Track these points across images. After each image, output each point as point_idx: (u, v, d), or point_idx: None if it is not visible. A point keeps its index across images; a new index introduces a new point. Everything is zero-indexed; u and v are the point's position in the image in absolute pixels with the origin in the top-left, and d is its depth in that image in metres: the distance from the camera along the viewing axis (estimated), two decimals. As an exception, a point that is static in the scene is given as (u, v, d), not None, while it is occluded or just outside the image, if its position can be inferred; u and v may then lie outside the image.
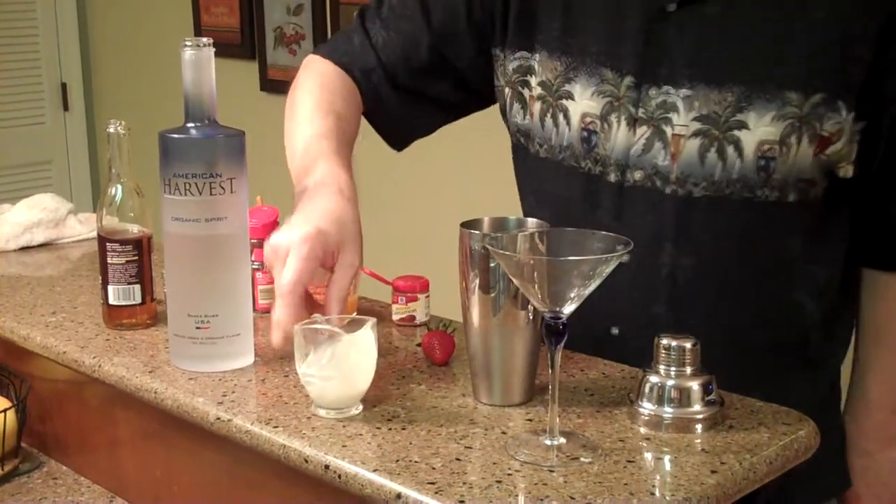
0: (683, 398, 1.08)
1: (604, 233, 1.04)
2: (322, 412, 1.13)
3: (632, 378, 1.21)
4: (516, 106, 1.38)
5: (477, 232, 1.14)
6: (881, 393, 1.37)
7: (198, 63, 1.23)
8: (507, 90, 1.40)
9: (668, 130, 1.24)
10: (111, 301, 1.43)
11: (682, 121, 1.23)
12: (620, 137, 1.27)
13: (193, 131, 1.24)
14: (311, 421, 1.12)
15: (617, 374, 1.24)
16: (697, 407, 1.09)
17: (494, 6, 1.39)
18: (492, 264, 1.11)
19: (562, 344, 1.03)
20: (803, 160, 1.22)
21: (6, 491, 1.45)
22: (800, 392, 1.22)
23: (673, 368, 1.09)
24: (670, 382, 1.09)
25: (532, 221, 1.16)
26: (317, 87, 1.43)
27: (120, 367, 1.31)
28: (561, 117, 1.32)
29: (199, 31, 3.88)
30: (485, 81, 1.44)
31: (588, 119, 1.29)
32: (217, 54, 1.25)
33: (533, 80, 1.35)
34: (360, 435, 1.08)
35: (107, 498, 1.43)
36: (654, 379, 1.10)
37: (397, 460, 1.02)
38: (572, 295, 1.00)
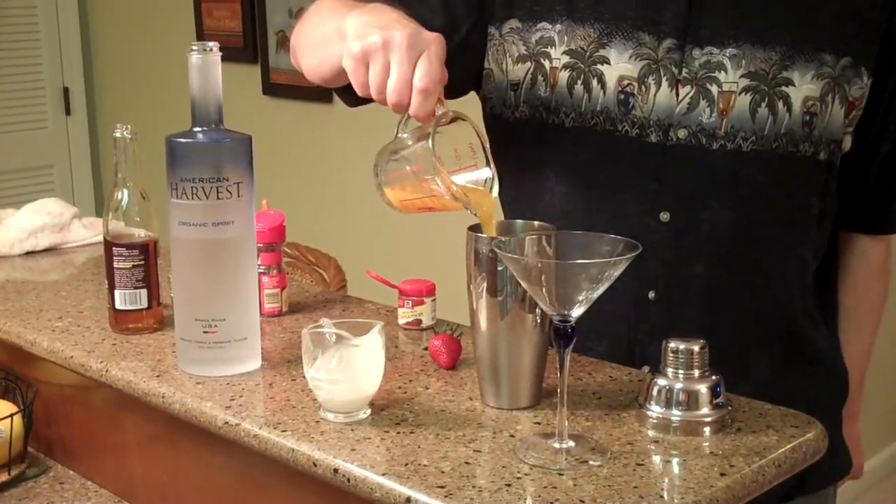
0: (692, 401, 1.09)
1: (612, 236, 1.04)
2: (330, 416, 1.14)
3: (639, 381, 1.21)
4: (539, 79, 1.36)
5: (484, 235, 1.14)
6: (855, 352, 1.50)
7: (205, 67, 1.24)
8: (528, 63, 1.37)
9: (714, 88, 1.27)
10: (118, 305, 1.44)
11: (730, 78, 1.27)
12: (661, 98, 1.29)
13: (200, 136, 1.24)
14: (319, 425, 1.12)
15: (624, 377, 1.24)
16: (705, 410, 1.09)
17: None
18: (499, 267, 1.11)
19: (570, 347, 1.03)
20: (836, 120, 1.30)
21: (13, 496, 1.45)
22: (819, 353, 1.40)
23: (681, 371, 1.10)
24: (678, 385, 1.09)
25: (539, 224, 1.16)
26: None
27: (127, 372, 1.31)
28: (594, 82, 1.31)
29: (201, 35, 3.89)
30: (472, 63, 1.41)
31: (626, 82, 1.30)
32: (219, 58, 1.25)
33: (554, 52, 1.34)
34: (369, 439, 1.09)
35: (114, 502, 1.43)
36: (662, 382, 1.10)
37: (406, 464, 1.02)
38: (580, 298, 1.00)
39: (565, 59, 1.33)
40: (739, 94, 1.27)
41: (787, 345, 1.37)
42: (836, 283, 1.49)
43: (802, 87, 1.27)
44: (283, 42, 3.60)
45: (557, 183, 1.36)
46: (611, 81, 1.30)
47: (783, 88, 1.27)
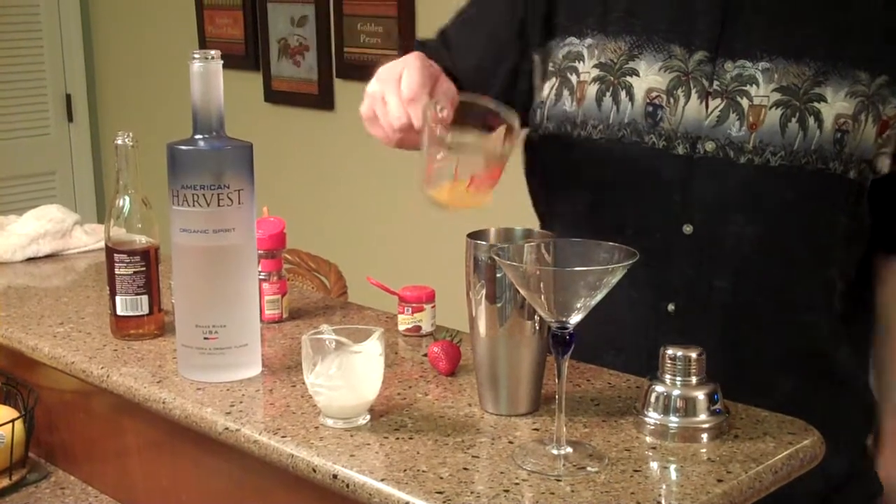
0: (689, 408, 1.09)
1: (610, 244, 1.05)
2: (330, 422, 1.14)
3: (637, 388, 1.22)
4: (564, 93, 1.37)
5: (483, 242, 1.15)
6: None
7: (206, 75, 1.24)
8: (553, 79, 1.38)
9: (745, 102, 1.26)
10: (119, 311, 1.44)
11: (761, 92, 1.26)
12: (690, 111, 1.28)
13: (202, 143, 1.25)
14: (318, 431, 1.13)
15: (623, 383, 1.25)
16: (703, 416, 1.09)
17: (536, 4, 1.40)
18: (498, 275, 1.12)
19: (568, 354, 1.04)
20: (868, 139, 1.26)
21: (14, 501, 1.45)
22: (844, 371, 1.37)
23: (678, 378, 1.10)
24: (676, 392, 1.10)
25: (538, 232, 1.17)
26: None
27: (128, 378, 1.32)
28: (623, 94, 1.31)
29: (203, 43, 3.90)
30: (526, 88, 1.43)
31: (654, 94, 1.30)
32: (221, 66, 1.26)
33: (582, 66, 1.35)
34: (368, 444, 1.09)
35: (114, 508, 1.44)
36: (659, 388, 1.11)
37: (405, 470, 1.03)
38: (578, 305, 1.01)
39: (595, 72, 1.34)
40: (770, 108, 1.25)
41: (810, 366, 1.33)
42: (870, 305, 1.43)
43: (836, 104, 1.24)
44: (285, 50, 3.61)
45: (585, 194, 1.37)
46: (639, 93, 1.30)
47: (815, 104, 1.24)
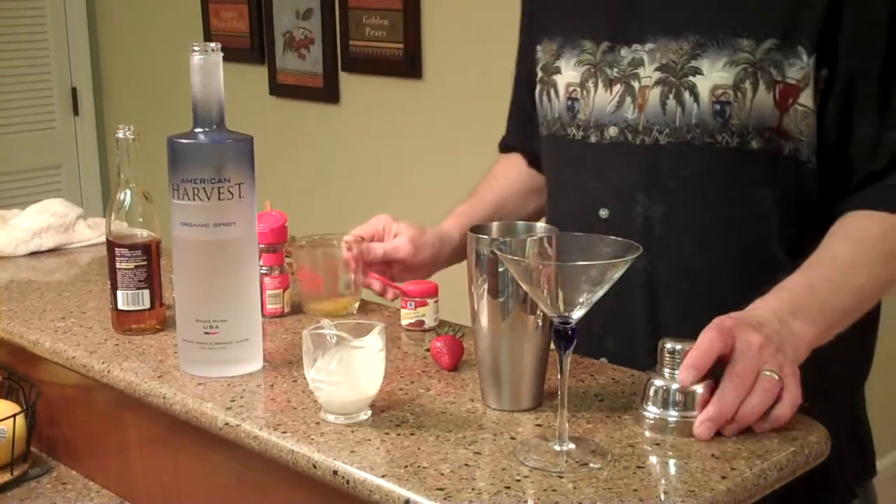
0: (688, 401, 1.08)
1: (612, 238, 1.04)
2: (330, 417, 1.13)
3: (641, 383, 1.21)
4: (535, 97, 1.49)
5: (486, 237, 1.14)
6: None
7: (206, 68, 1.23)
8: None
9: (636, 84, 1.31)
10: (120, 306, 1.44)
11: (647, 73, 1.30)
12: (598, 100, 1.35)
13: (202, 136, 1.24)
14: (319, 426, 1.12)
15: (626, 379, 1.24)
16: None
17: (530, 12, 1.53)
18: (500, 269, 1.11)
19: (571, 349, 1.03)
20: (762, 107, 1.24)
21: (16, 496, 1.45)
22: None
23: (677, 372, 1.09)
24: (675, 386, 1.08)
25: (541, 226, 1.16)
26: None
27: (129, 372, 1.31)
28: (552, 92, 1.41)
29: (208, 36, 3.89)
30: None
31: (571, 88, 1.38)
32: (226, 59, 1.25)
33: (537, 68, 1.46)
34: (369, 440, 1.08)
35: (115, 503, 1.43)
36: (658, 382, 1.09)
37: (406, 466, 1.02)
38: (581, 300, 1.00)
39: (540, 73, 1.44)
40: (652, 87, 1.29)
41: None
42: None
43: (712, 76, 1.24)
44: (291, 43, 3.60)
45: (551, 191, 1.48)
46: (561, 90, 1.39)
47: (690, 78, 1.26)
